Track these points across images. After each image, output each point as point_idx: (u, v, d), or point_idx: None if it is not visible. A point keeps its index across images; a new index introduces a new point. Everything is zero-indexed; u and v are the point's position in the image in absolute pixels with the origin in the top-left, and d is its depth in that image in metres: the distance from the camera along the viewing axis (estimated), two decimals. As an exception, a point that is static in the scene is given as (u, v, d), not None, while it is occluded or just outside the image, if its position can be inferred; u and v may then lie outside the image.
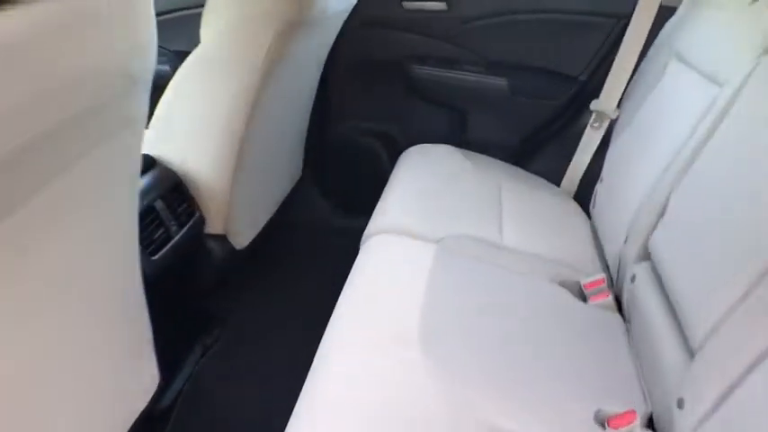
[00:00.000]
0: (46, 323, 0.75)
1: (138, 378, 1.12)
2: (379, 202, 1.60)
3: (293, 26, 1.35)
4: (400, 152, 1.91)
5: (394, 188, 1.65)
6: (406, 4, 1.92)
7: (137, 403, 1.09)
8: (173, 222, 1.36)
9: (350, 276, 1.24)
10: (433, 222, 1.45)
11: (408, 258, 1.30)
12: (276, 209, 1.84)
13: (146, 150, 1.44)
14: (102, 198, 0.85)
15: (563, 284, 1.30)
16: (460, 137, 2.02)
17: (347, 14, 1.78)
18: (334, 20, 1.70)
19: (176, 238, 1.37)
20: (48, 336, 0.76)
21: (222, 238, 1.57)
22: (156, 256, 1.30)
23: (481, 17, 1.89)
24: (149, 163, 1.40)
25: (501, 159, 1.94)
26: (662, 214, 1.19)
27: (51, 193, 0.68)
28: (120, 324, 1.01)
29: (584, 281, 1.33)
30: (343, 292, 1.19)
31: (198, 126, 1.41)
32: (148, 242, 1.29)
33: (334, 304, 1.16)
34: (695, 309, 0.95)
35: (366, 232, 1.46)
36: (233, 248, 1.61)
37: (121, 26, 0.71)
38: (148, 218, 1.31)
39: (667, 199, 1.18)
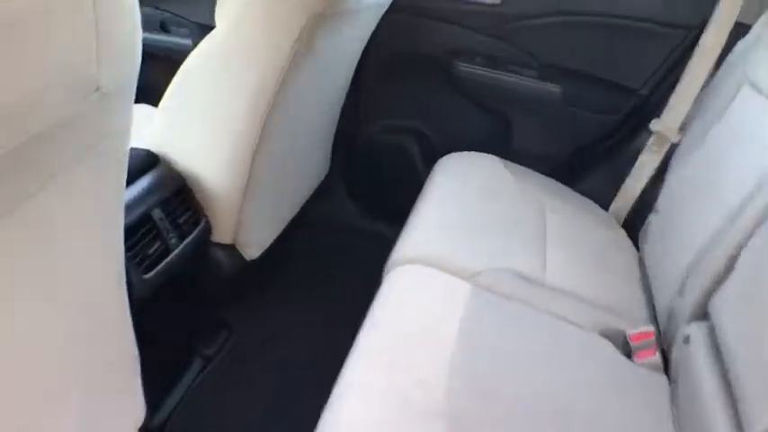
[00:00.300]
0: (12, 362, 0.66)
1: (120, 414, 0.98)
2: (409, 221, 1.43)
3: (325, 17, 1.16)
4: (435, 154, 1.76)
5: (426, 204, 1.48)
6: None
7: None
8: (172, 234, 1.19)
9: (372, 309, 1.11)
10: (469, 250, 1.29)
11: (438, 296, 1.15)
12: (295, 213, 1.66)
13: (149, 145, 1.27)
14: (78, 220, 0.71)
15: (606, 333, 1.17)
16: (503, 145, 1.86)
17: (386, 6, 1.58)
18: (370, 11, 1.50)
19: (175, 252, 1.19)
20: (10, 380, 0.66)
21: (230, 248, 1.40)
22: (150, 274, 1.13)
23: (537, 15, 1.71)
24: (151, 162, 1.23)
25: (546, 174, 1.77)
26: (727, 271, 1.04)
27: (17, 218, 0.57)
28: (97, 363, 0.87)
29: (630, 331, 1.18)
30: (363, 328, 1.07)
31: (209, 122, 1.23)
32: (142, 258, 1.12)
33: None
34: (756, 387, 0.85)
35: (392, 259, 1.29)
36: (242, 259, 1.43)
37: (73, 31, 0.53)
38: (143, 228, 1.14)
39: (735, 253, 1.03)
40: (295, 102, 1.29)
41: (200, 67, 1.20)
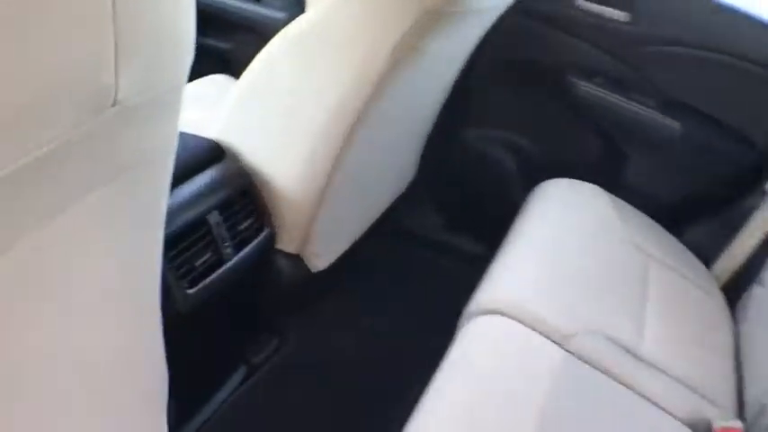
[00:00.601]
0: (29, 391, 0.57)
1: None
2: (498, 258, 1.24)
3: (440, 16, 0.96)
4: (535, 174, 1.59)
5: (519, 239, 1.29)
6: (581, 4, 1.54)
7: None
8: (228, 243, 1.03)
9: (446, 364, 0.98)
10: (562, 305, 1.11)
11: (523, 358, 1.00)
12: (371, 223, 1.48)
13: (218, 132, 1.10)
14: (105, 239, 0.59)
15: (692, 421, 1.04)
16: (609, 174, 1.67)
17: (504, 9, 1.36)
18: (491, 13, 1.28)
19: (228, 264, 1.03)
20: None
21: (295, 258, 1.23)
22: (195, 289, 0.97)
23: (669, 42, 1.51)
24: (215, 155, 1.07)
25: (652, 214, 1.58)
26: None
27: (38, 238, 0.48)
28: (117, 383, 0.74)
29: (718, 424, 1.04)
30: (433, 384, 0.95)
31: (288, 118, 1.06)
32: (187, 270, 0.96)
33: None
34: None
35: (472, 306, 1.11)
36: (307, 270, 1.26)
37: (77, 27, 0.36)
38: (195, 235, 0.98)
39: None
40: (389, 105, 1.10)
41: (286, 54, 1.02)
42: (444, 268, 1.66)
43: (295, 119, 1.05)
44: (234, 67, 1.09)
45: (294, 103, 1.05)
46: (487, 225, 1.43)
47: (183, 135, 1.13)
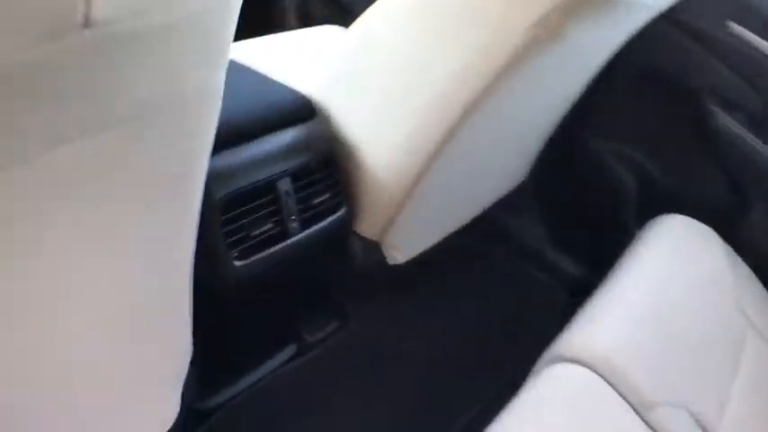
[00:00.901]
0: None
1: (148, 412, 0.78)
2: (592, 302, 1.09)
3: (587, 3, 0.76)
4: (654, 201, 1.44)
5: (620, 280, 1.14)
6: (735, 28, 1.31)
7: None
8: (295, 216, 0.88)
9: (515, 405, 0.88)
10: (651, 367, 0.98)
11: (598, 423, 0.89)
12: (465, 222, 1.29)
13: (312, 92, 0.95)
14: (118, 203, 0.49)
15: None
16: (729, 221, 1.46)
17: (657, 12, 1.14)
18: (642, 11, 1.06)
19: (290, 240, 0.89)
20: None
21: (373, 246, 1.08)
22: (245, 261, 0.84)
23: None
24: (305, 113, 0.93)
25: (763, 274, 1.38)
26: None
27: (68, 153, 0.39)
28: (129, 350, 0.67)
29: None
30: (499, 422, 0.85)
31: (391, 92, 0.90)
32: (241, 238, 0.83)
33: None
34: None
35: (555, 349, 0.97)
36: (383, 261, 1.11)
37: None
38: (257, 201, 0.84)
39: None
40: (509, 98, 0.92)
41: (399, 17, 0.85)
42: (535, 283, 1.50)
43: (397, 95, 0.89)
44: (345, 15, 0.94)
45: (399, 75, 0.88)
46: (593, 248, 1.33)
47: (269, 83, 1.00)
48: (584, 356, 0.94)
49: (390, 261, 1.12)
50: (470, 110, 0.87)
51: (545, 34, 0.77)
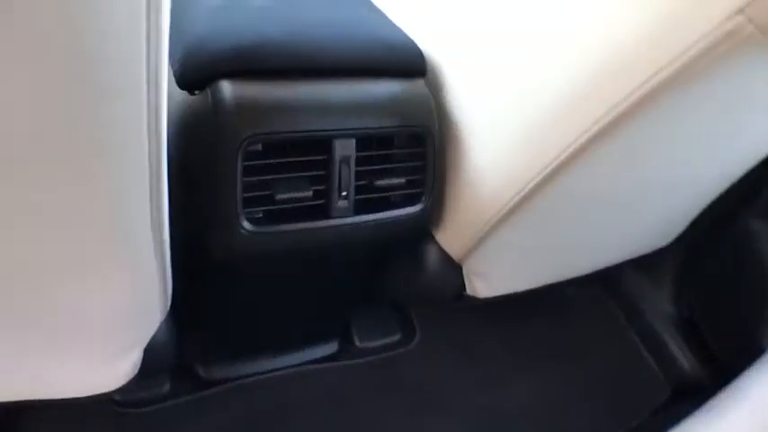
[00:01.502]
0: None
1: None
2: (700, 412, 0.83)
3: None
4: None
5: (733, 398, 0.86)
6: None
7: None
8: (347, 193, 0.66)
9: None
10: None
11: None
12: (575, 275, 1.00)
13: (426, 45, 0.72)
14: None
15: None
16: None
17: None
18: None
19: (333, 221, 0.67)
20: None
21: (455, 268, 0.83)
22: (261, 229, 0.63)
23: None
24: (411, 68, 0.70)
25: None
26: None
27: None
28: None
29: None
30: None
31: (510, 85, 0.66)
32: (263, 198, 0.62)
33: None
34: None
35: None
36: (461, 288, 0.87)
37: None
38: (298, 158, 0.63)
39: None
40: (676, 117, 0.62)
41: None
42: (639, 361, 1.19)
43: (515, 90, 0.65)
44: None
45: (522, 68, 0.64)
46: (716, 343, 1.11)
47: (375, 21, 0.78)
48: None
49: (469, 291, 0.88)
50: (601, 129, 0.59)
51: (753, 27, 0.48)
